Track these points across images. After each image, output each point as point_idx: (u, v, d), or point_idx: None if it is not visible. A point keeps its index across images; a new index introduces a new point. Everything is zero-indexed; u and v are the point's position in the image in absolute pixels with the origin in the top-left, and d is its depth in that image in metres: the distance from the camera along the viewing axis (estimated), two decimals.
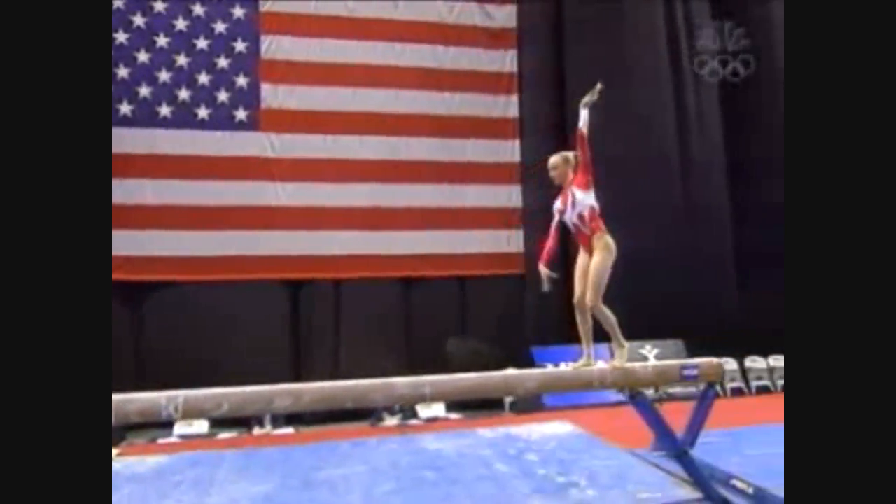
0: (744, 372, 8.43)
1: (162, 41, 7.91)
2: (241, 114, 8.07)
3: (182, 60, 7.95)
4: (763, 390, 8.34)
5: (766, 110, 8.94)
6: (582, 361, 3.91)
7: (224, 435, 6.98)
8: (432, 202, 8.50)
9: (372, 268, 8.20)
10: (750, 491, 3.94)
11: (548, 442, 5.58)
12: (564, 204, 3.89)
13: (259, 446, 6.13)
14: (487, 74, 8.85)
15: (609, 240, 3.82)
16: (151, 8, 7.90)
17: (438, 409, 7.48)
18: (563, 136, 7.84)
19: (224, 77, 8.05)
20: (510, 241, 8.73)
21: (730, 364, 8.06)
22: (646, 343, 7.95)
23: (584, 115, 3.80)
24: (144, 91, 7.81)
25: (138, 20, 7.85)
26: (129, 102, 7.73)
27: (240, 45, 8.13)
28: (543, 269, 3.89)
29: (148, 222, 7.56)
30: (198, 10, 8.04)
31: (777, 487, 3.72)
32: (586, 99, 3.82)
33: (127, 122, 7.64)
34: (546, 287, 3.88)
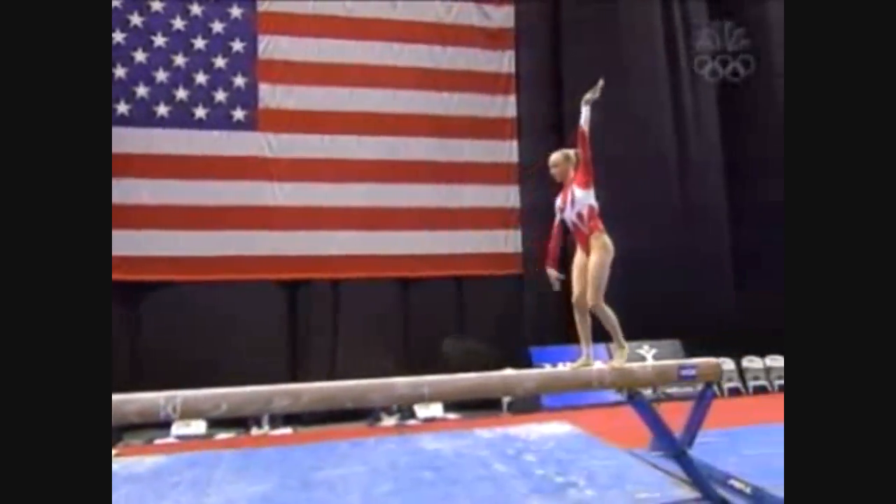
0: (741, 372, 8.44)
1: (160, 41, 7.90)
2: (238, 114, 8.06)
3: (180, 60, 7.94)
4: (760, 390, 8.36)
5: (763, 110, 8.97)
6: (581, 361, 3.91)
7: (222, 435, 6.97)
8: (430, 202, 8.50)
9: (370, 268, 8.19)
10: (748, 491, 3.95)
11: (546, 442, 5.57)
12: (564, 202, 3.89)
13: (257, 447, 6.12)
14: (485, 75, 8.85)
15: (607, 239, 3.82)
16: (149, 7, 7.89)
17: (436, 410, 7.48)
18: (560, 136, 7.84)
19: (222, 77, 8.04)
20: (508, 241, 8.74)
21: (727, 364, 8.08)
22: (643, 343, 7.97)
23: (585, 112, 3.79)
24: (142, 91, 7.80)
25: (136, 20, 7.83)
26: (127, 102, 7.72)
27: (237, 45, 8.12)
28: (551, 272, 3.94)
29: (145, 222, 7.54)
30: (195, 9, 8.02)
31: (775, 487, 3.73)
32: (588, 96, 3.81)
33: (124, 121, 7.62)
34: (556, 287, 3.96)
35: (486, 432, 6.13)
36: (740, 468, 4.26)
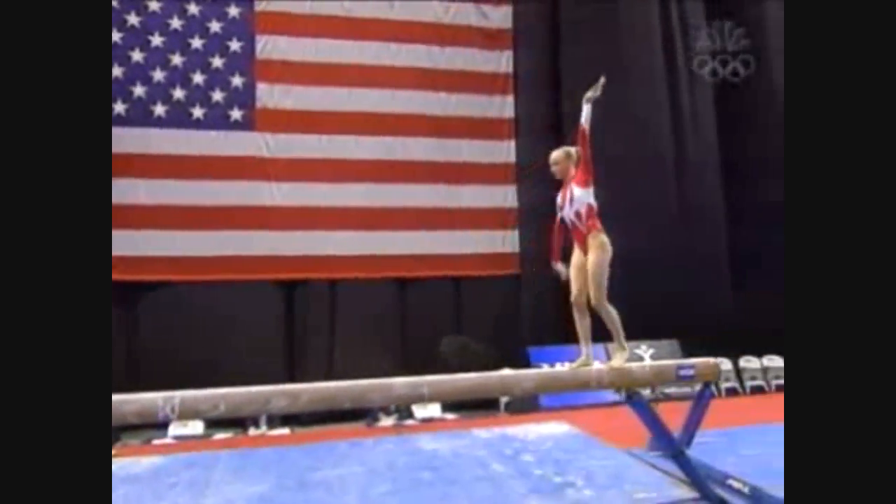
0: (738, 372, 8.46)
1: (157, 40, 7.88)
2: (236, 113, 8.05)
3: (177, 60, 7.92)
4: (757, 390, 8.38)
5: (761, 110, 9.00)
6: (580, 361, 3.90)
7: (219, 436, 6.95)
8: (428, 202, 8.50)
9: (367, 268, 8.19)
10: (746, 490, 3.95)
11: (544, 442, 5.57)
12: (563, 200, 3.90)
13: (255, 447, 6.11)
14: (483, 75, 8.86)
15: (605, 238, 3.82)
16: (146, 7, 7.87)
17: (434, 410, 7.47)
18: (558, 136, 7.84)
19: (219, 77, 8.03)
20: (506, 241, 8.74)
21: (724, 364, 8.09)
22: (641, 343, 7.97)
23: (586, 110, 3.79)
24: (139, 90, 7.78)
25: (132, 19, 7.82)
26: (124, 102, 7.70)
27: (235, 45, 8.11)
28: (558, 266, 3.99)
29: (142, 222, 7.53)
30: (192, 9, 8.01)
31: (773, 487, 3.74)
32: (589, 94, 3.81)
33: (121, 121, 7.60)
34: (563, 277, 4.00)
35: (484, 432, 6.12)
36: (738, 468, 4.26)
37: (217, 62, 8.04)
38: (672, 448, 3.97)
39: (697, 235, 8.96)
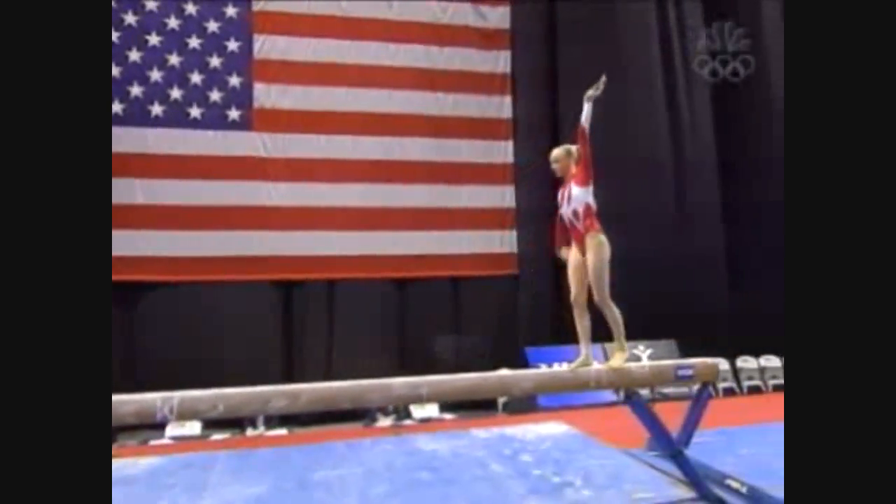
0: (735, 372, 8.48)
1: (154, 40, 7.86)
2: (233, 113, 8.03)
3: (174, 59, 7.90)
4: (754, 390, 8.40)
5: (758, 110, 9.03)
6: (579, 361, 3.90)
7: (217, 436, 6.93)
8: (426, 203, 8.49)
9: (365, 268, 8.18)
10: (744, 490, 3.96)
11: (543, 442, 5.57)
12: (562, 198, 3.90)
13: (252, 448, 6.09)
14: (481, 75, 8.86)
15: (602, 238, 3.83)
16: (143, 6, 7.85)
17: (432, 410, 7.47)
18: (556, 136, 7.85)
19: (217, 76, 8.01)
20: (503, 241, 8.74)
21: (722, 364, 8.11)
22: (639, 343, 7.98)
23: (587, 109, 3.79)
24: (136, 90, 7.75)
25: (130, 18, 7.79)
26: (121, 101, 7.67)
27: (232, 45, 8.10)
28: (561, 252, 4.03)
29: (140, 222, 7.50)
30: (190, 8, 7.99)
31: (771, 486, 3.75)
32: (590, 92, 3.81)
33: (118, 121, 7.57)
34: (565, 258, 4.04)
35: (483, 432, 6.12)
36: (736, 468, 4.27)
37: (215, 62, 8.02)
38: (670, 448, 3.97)
39: (694, 236, 8.98)
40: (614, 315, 3.86)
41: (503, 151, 8.84)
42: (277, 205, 8.03)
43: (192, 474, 4.93)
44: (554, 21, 8.99)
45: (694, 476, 3.99)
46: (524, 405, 7.38)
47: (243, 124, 8.05)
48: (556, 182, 4.08)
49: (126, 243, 7.35)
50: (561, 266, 4.08)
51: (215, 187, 7.82)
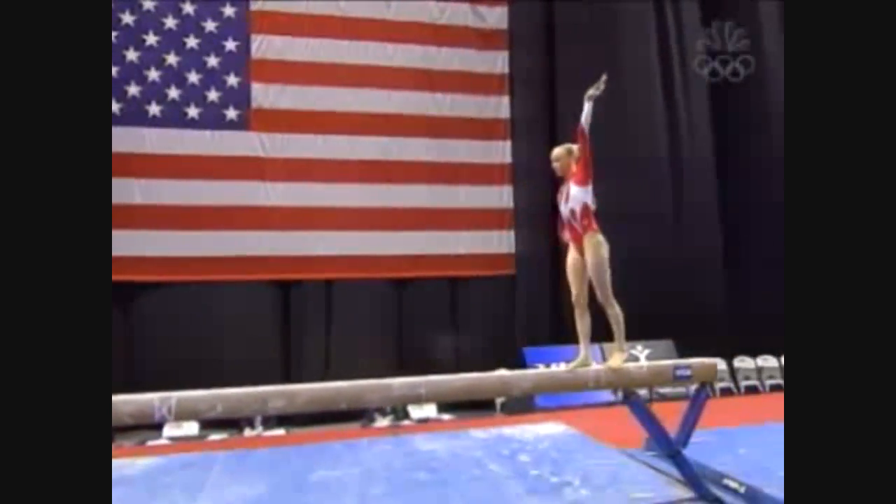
0: (732, 372, 8.49)
1: (151, 39, 7.84)
2: (231, 113, 8.02)
3: (172, 59, 7.89)
4: (751, 390, 8.41)
5: (756, 110, 9.05)
6: (578, 360, 3.90)
7: (214, 437, 6.92)
8: (424, 203, 8.49)
9: (363, 268, 8.17)
10: (742, 490, 3.96)
11: (541, 442, 5.57)
12: (561, 196, 3.91)
13: (250, 448, 6.08)
14: (479, 75, 8.85)
15: (601, 238, 3.83)
16: (140, 6, 7.83)
17: (430, 410, 7.46)
18: (554, 136, 7.86)
19: (214, 76, 8.00)
20: (501, 241, 8.74)
21: (719, 364, 8.11)
22: (637, 343, 7.99)
23: (587, 108, 3.79)
24: (133, 90, 7.74)
25: (127, 18, 7.77)
26: (118, 101, 7.65)
27: (230, 44, 8.08)
28: (565, 235, 4.02)
29: (137, 222, 7.48)
30: (187, 8, 7.97)
31: (769, 486, 3.76)
32: (591, 92, 3.81)
33: (116, 120, 7.53)
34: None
35: (481, 433, 6.12)
36: (735, 467, 4.28)
37: (212, 61, 8.00)
38: (669, 448, 3.98)
39: (692, 235, 8.99)
40: (616, 314, 3.86)
41: (501, 152, 8.84)
42: (275, 205, 8.02)
43: (190, 475, 4.92)
44: (552, 21, 8.99)
45: (692, 476, 3.99)
46: (522, 405, 7.38)
47: (241, 124, 8.03)
48: (556, 182, 4.08)
49: (123, 243, 7.31)
50: (559, 266, 4.08)
51: (213, 187, 7.81)
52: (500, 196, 8.80)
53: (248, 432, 7.04)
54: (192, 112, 7.89)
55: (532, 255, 8.58)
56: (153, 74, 7.80)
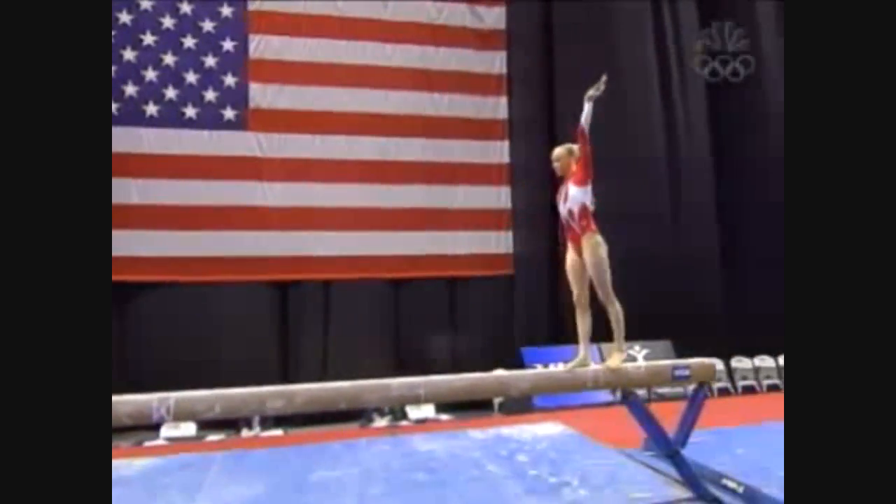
0: (730, 372, 8.51)
1: (149, 39, 7.83)
2: (229, 113, 8.01)
3: (169, 59, 7.88)
4: (749, 390, 8.43)
5: (753, 110, 9.07)
6: (577, 360, 3.90)
7: (212, 437, 6.90)
8: (422, 203, 8.49)
9: (361, 268, 8.17)
10: (740, 490, 3.97)
11: (539, 442, 5.57)
12: (560, 196, 3.91)
13: (248, 449, 6.07)
14: (477, 75, 8.86)
15: (599, 239, 3.82)
16: (138, 5, 7.82)
17: (428, 410, 7.46)
18: (552, 137, 7.87)
19: (212, 76, 7.99)
20: (499, 242, 8.75)
21: (717, 364, 8.13)
22: (635, 343, 8.00)
23: (587, 109, 3.79)
24: (131, 90, 7.72)
25: (124, 17, 7.76)
26: (116, 101, 7.64)
27: (228, 44, 8.07)
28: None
29: (134, 222, 7.47)
30: (185, 8, 7.97)
31: (767, 486, 3.76)
32: (591, 92, 3.80)
33: (113, 120, 7.52)
34: None
35: (479, 433, 6.11)
36: (733, 467, 4.28)
37: (210, 61, 7.99)
38: (667, 448, 3.98)
39: (690, 236, 9.00)
40: (617, 312, 3.85)
41: (499, 152, 8.85)
42: (273, 205, 8.01)
43: (187, 475, 4.90)
44: (550, 21, 9.01)
45: (690, 476, 3.99)
46: (520, 405, 7.38)
47: (238, 124, 8.02)
48: (555, 182, 4.08)
49: (121, 243, 7.28)
50: (558, 266, 4.08)
51: (210, 187, 7.80)
52: (499, 196, 8.80)
53: (245, 433, 7.03)
54: (190, 112, 7.88)
55: (530, 256, 8.59)
56: (151, 74, 7.79)
